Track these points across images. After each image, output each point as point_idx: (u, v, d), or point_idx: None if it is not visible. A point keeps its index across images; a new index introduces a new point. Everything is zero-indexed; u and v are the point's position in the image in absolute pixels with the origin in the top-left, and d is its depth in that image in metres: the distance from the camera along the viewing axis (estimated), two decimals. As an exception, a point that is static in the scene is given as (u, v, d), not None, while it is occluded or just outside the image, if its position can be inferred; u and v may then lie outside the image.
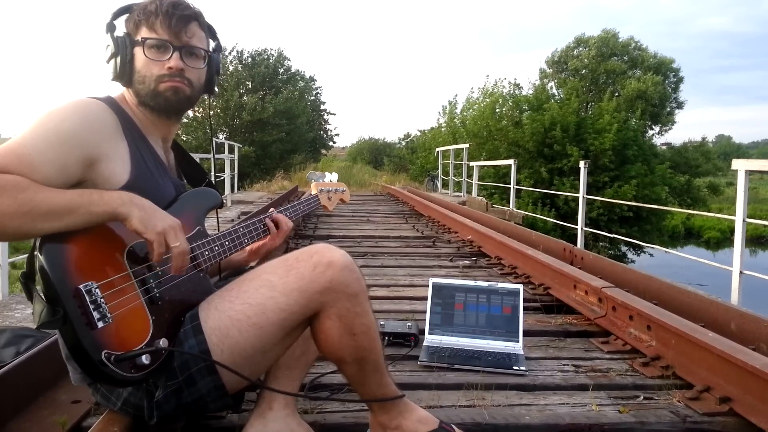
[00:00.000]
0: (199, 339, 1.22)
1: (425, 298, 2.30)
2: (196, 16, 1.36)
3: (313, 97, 34.70)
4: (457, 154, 12.75)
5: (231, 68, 25.67)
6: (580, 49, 30.09)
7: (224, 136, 23.28)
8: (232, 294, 1.28)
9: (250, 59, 27.16)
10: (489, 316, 2.20)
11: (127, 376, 1.12)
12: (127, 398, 1.27)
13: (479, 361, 1.99)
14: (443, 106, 24.37)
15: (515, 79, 28.28)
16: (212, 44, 1.44)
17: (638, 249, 20.21)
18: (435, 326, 2.21)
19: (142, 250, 1.21)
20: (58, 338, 1.26)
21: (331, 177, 2.10)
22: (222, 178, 9.76)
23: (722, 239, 23.71)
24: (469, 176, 11.10)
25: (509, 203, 8.99)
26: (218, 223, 1.68)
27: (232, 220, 5.50)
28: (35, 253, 1.11)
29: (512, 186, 8.73)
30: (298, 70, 31.51)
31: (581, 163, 6.46)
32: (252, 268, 1.46)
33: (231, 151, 10.79)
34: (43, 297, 1.09)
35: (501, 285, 2.29)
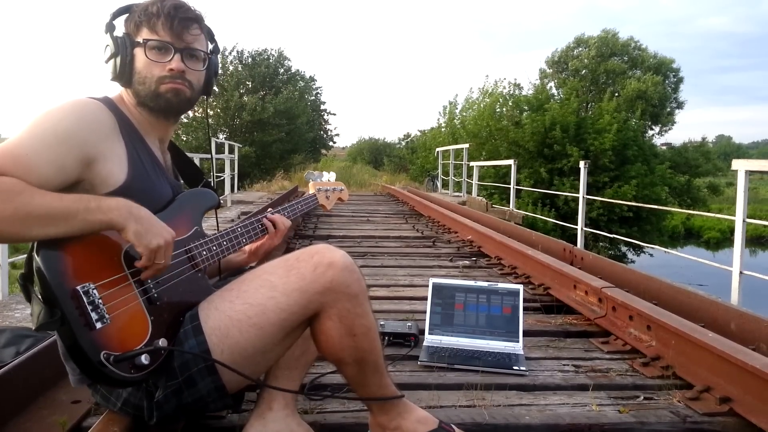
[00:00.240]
0: (199, 339, 1.22)
1: (425, 298, 2.30)
2: (198, 19, 1.37)
3: (313, 97, 34.72)
4: (457, 154, 12.75)
5: (231, 68, 25.66)
6: (580, 49, 30.07)
7: (224, 136, 23.28)
8: (232, 294, 1.28)
9: (250, 59, 27.16)
10: (489, 316, 2.20)
11: (126, 376, 1.12)
12: (127, 399, 1.27)
13: (479, 361, 1.99)
14: (443, 107, 24.40)
15: (515, 79, 28.33)
16: (210, 46, 1.44)
17: (638, 249, 20.20)
18: (435, 326, 2.21)
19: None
20: (57, 339, 1.26)
21: (329, 176, 2.10)
22: (222, 178, 9.77)
23: (722, 239, 23.72)
24: (469, 176, 11.10)
25: (509, 203, 8.99)
26: (217, 223, 1.68)
27: (232, 220, 5.50)
28: (32, 254, 1.11)
29: (512, 186, 8.73)
30: (298, 70, 31.58)
31: (581, 163, 6.46)
32: (252, 268, 1.46)
33: (231, 151, 10.80)
34: (40, 298, 1.09)
35: (501, 285, 2.29)
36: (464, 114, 22.27)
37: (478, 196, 10.31)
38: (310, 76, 34.42)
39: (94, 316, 1.09)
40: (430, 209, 7.36)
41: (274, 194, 10.84)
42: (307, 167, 23.07)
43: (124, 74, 1.32)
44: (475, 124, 19.47)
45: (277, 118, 24.52)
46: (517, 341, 2.13)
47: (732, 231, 3.81)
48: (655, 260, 19.19)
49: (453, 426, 1.42)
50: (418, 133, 33.34)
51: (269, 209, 1.67)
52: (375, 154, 43.73)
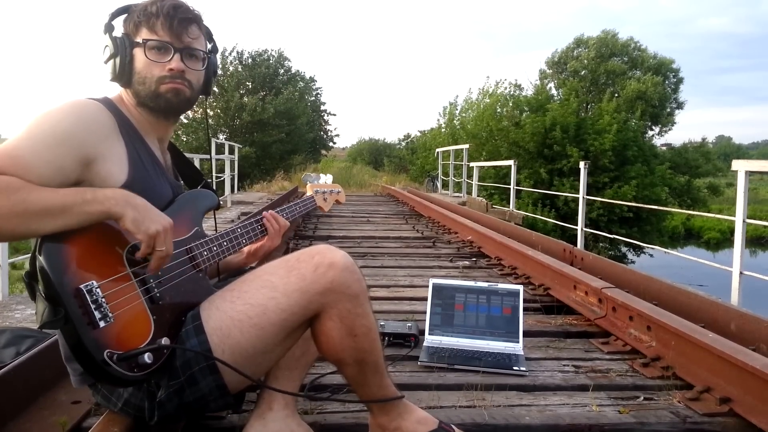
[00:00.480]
0: (200, 339, 1.22)
1: (425, 299, 2.30)
2: (197, 19, 1.37)
3: (313, 98, 34.69)
4: (457, 154, 12.75)
5: (231, 69, 25.66)
6: (580, 49, 30.07)
7: (225, 136, 23.28)
8: (233, 294, 1.28)
9: (250, 60, 27.15)
10: (489, 316, 2.20)
11: (129, 375, 1.12)
12: (128, 399, 1.27)
13: (479, 361, 2.00)
14: (443, 107, 24.42)
15: (516, 79, 28.33)
16: (209, 46, 1.44)
17: (638, 249, 20.20)
18: (435, 327, 2.21)
19: None
20: (58, 340, 1.26)
21: (326, 178, 2.11)
22: (222, 178, 9.77)
23: (722, 240, 23.71)
24: (469, 177, 11.10)
25: (509, 204, 8.99)
26: (216, 223, 1.68)
27: (232, 221, 5.50)
28: (36, 253, 1.11)
29: (512, 186, 8.73)
30: (298, 71, 31.54)
31: (581, 164, 6.46)
32: (251, 269, 1.46)
33: (231, 151, 10.79)
34: (44, 297, 1.09)
35: (501, 285, 2.29)
36: (464, 115, 22.28)
37: (478, 196, 10.31)
38: (310, 77, 34.45)
39: (97, 314, 1.09)
40: (430, 210, 7.36)
41: (274, 195, 10.84)
42: (307, 168, 23.09)
43: (124, 74, 1.33)
44: (475, 124, 19.47)
45: (277, 119, 24.52)
46: (517, 342, 2.13)
47: (732, 231, 3.81)
48: (655, 261, 19.19)
49: (453, 426, 1.42)
50: (418, 134, 33.40)
51: (269, 211, 1.67)
52: (375, 155, 43.70)
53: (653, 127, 29.31)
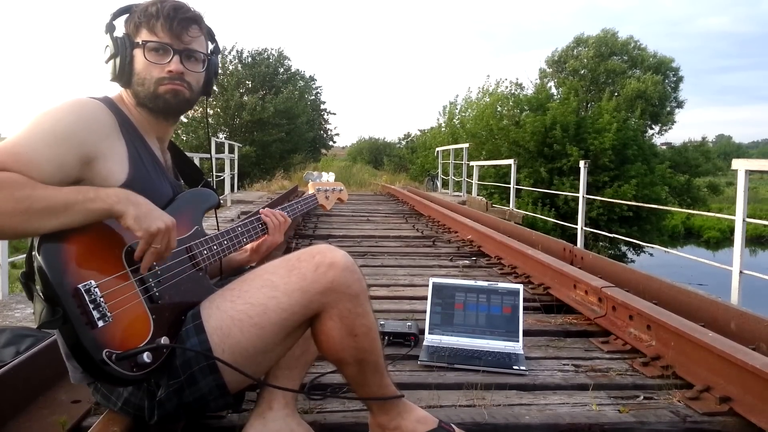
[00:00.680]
0: (201, 338, 1.22)
1: (425, 298, 2.30)
2: (197, 20, 1.36)
3: (313, 97, 34.68)
4: (457, 153, 12.75)
5: (231, 68, 25.64)
6: (580, 48, 30.06)
7: (224, 135, 23.28)
8: (233, 293, 1.28)
9: (250, 59, 27.13)
10: (489, 315, 2.20)
11: (128, 374, 1.12)
12: (128, 398, 1.27)
13: (479, 360, 2.00)
14: (443, 106, 24.41)
15: (517, 78, 28.32)
16: (210, 46, 1.44)
17: (638, 249, 20.20)
18: (435, 326, 2.21)
19: None
20: (57, 337, 1.26)
21: (328, 177, 2.11)
22: (222, 177, 9.77)
23: (722, 239, 23.70)
24: (469, 176, 11.10)
25: (509, 203, 8.99)
26: (217, 222, 1.68)
27: (232, 220, 5.50)
28: (33, 253, 1.11)
29: (512, 186, 8.72)
30: (298, 70, 31.53)
31: (581, 163, 6.46)
32: (253, 268, 1.46)
33: (231, 150, 10.80)
34: (42, 297, 1.09)
35: (501, 285, 2.29)
36: (464, 114, 22.27)
37: (478, 195, 10.31)
38: (310, 76, 34.43)
39: (95, 314, 1.09)
40: (430, 209, 7.35)
41: (273, 194, 10.84)
42: (307, 167, 23.08)
43: (124, 75, 1.33)
44: (475, 124, 19.47)
45: (277, 118, 24.51)
46: (517, 341, 2.13)
47: (732, 231, 3.81)
48: (655, 260, 19.19)
49: (453, 426, 1.42)
50: (418, 133, 33.38)
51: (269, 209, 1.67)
52: (375, 154, 43.70)
53: (653, 126, 29.33)
